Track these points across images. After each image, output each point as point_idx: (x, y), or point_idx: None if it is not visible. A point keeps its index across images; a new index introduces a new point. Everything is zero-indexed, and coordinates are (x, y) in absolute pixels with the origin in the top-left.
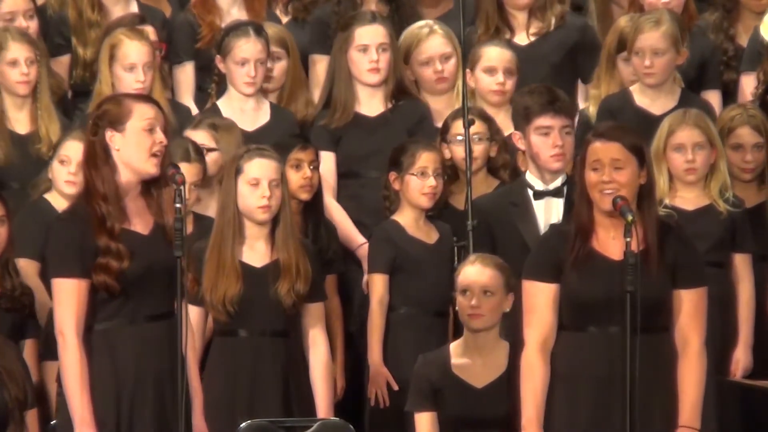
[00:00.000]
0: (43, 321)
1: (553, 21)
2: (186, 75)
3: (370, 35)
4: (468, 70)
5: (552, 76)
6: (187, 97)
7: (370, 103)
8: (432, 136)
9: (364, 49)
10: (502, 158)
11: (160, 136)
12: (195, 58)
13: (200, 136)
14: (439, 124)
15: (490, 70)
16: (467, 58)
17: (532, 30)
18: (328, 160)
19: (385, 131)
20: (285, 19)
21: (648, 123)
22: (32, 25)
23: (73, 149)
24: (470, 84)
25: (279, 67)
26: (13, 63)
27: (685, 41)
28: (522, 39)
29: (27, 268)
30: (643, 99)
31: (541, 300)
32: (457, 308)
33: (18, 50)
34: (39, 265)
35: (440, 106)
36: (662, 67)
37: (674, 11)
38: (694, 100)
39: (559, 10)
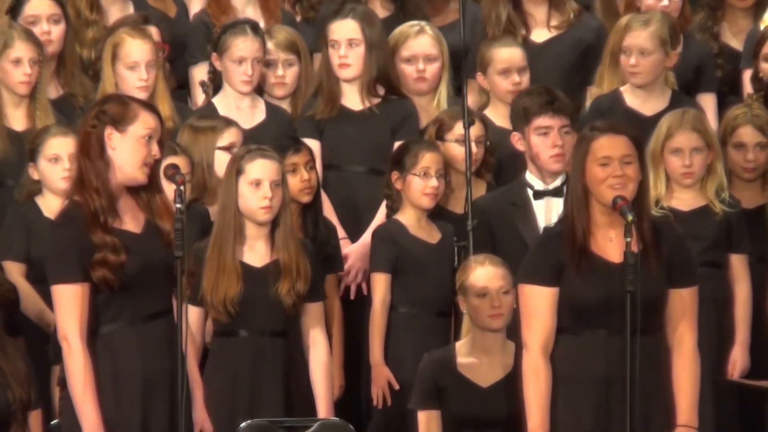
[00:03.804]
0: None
1: (571, 15)
2: (202, 75)
3: (339, 30)
4: (479, 74)
5: (565, 75)
6: (202, 97)
7: (354, 98)
8: (415, 136)
9: (335, 44)
10: (486, 161)
11: (155, 148)
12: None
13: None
14: (422, 125)
15: (505, 72)
16: (469, 66)
17: (553, 23)
18: (313, 149)
19: (368, 126)
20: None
21: (638, 124)
22: (56, 31)
23: (62, 146)
24: (484, 86)
25: (291, 74)
26: (17, 62)
27: (678, 44)
28: (537, 36)
29: (13, 270)
30: (633, 100)
31: (541, 304)
32: (464, 310)
33: (22, 49)
34: (25, 267)
35: (423, 104)
36: (648, 67)
37: (669, 14)
38: (685, 102)
39: (574, 5)
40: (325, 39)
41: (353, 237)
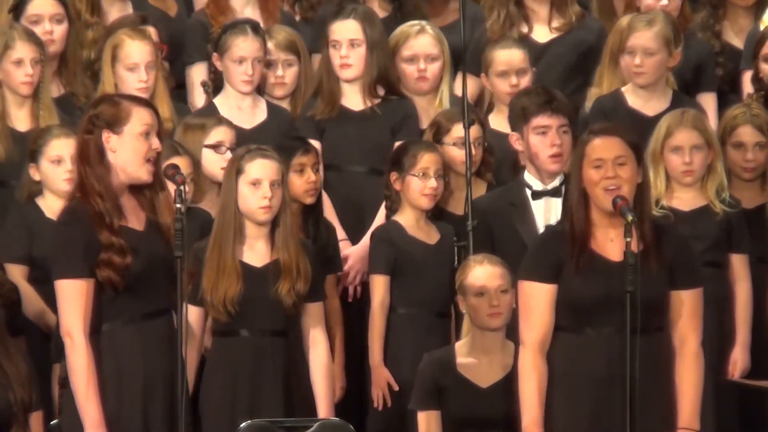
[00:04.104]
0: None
1: (573, 18)
2: (198, 75)
3: (340, 31)
4: (483, 75)
5: (566, 75)
6: (199, 98)
7: (354, 98)
8: (416, 136)
9: (336, 44)
10: (486, 161)
11: (155, 142)
12: (207, 58)
13: (221, 134)
14: (423, 125)
15: (503, 74)
16: (468, 66)
17: (555, 24)
18: None
19: (369, 126)
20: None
21: (641, 124)
22: (58, 30)
23: (65, 147)
24: (488, 87)
25: (290, 74)
26: (18, 63)
27: (680, 44)
28: (540, 35)
29: (15, 273)
30: (635, 100)
31: (539, 301)
32: (463, 310)
33: (24, 50)
34: (27, 269)
35: (424, 104)
36: (652, 67)
37: (670, 13)
38: (686, 102)
39: (577, 8)
40: (325, 39)
41: (354, 237)
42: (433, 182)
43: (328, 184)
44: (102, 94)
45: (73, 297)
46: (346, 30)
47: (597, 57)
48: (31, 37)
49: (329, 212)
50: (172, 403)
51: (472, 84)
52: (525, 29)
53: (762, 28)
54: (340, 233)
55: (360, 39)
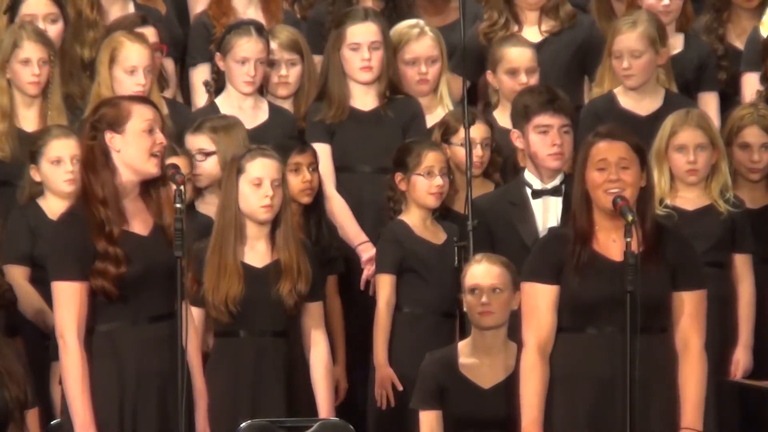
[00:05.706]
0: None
1: (565, 18)
2: (201, 77)
3: (361, 33)
4: (489, 72)
5: (563, 73)
6: (201, 99)
7: (364, 99)
8: (424, 134)
9: (356, 47)
10: (494, 161)
11: (159, 136)
12: (210, 59)
13: (201, 141)
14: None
15: (513, 72)
16: (458, 66)
17: (544, 27)
18: (324, 153)
19: (379, 127)
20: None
21: (634, 124)
22: (53, 30)
23: (63, 148)
24: (493, 84)
25: (294, 73)
26: (26, 62)
27: (666, 41)
28: (531, 36)
29: (16, 273)
30: (627, 101)
31: (541, 302)
32: (464, 308)
33: (31, 50)
34: (29, 271)
35: (425, 103)
36: (641, 68)
37: (654, 12)
38: (679, 101)
39: (569, 9)
40: (339, 42)
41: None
42: (438, 180)
43: (341, 186)
44: (98, 94)
45: (67, 299)
46: (367, 33)
47: (592, 51)
48: (40, 37)
49: (346, 216)
50: (165, 405)
51: (460, 86)
52: (515, 28)
53: (762, 29)
54: (361, 236)
55: (379, 41)
